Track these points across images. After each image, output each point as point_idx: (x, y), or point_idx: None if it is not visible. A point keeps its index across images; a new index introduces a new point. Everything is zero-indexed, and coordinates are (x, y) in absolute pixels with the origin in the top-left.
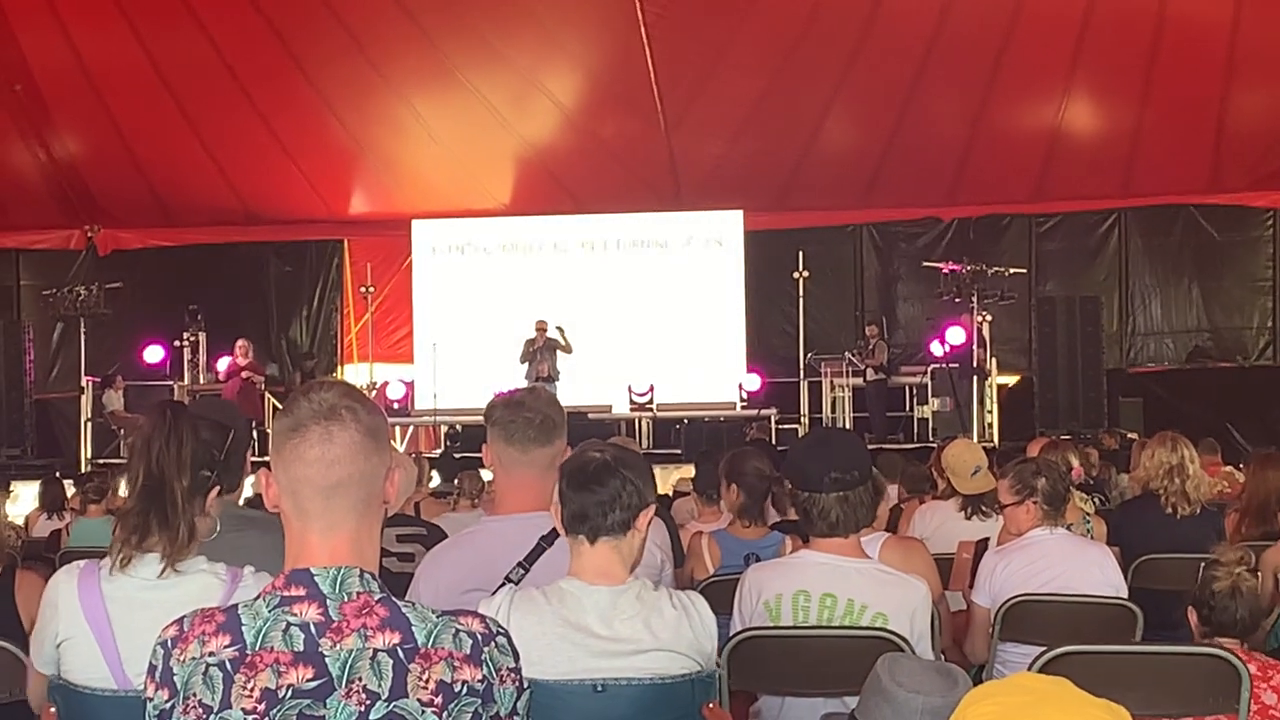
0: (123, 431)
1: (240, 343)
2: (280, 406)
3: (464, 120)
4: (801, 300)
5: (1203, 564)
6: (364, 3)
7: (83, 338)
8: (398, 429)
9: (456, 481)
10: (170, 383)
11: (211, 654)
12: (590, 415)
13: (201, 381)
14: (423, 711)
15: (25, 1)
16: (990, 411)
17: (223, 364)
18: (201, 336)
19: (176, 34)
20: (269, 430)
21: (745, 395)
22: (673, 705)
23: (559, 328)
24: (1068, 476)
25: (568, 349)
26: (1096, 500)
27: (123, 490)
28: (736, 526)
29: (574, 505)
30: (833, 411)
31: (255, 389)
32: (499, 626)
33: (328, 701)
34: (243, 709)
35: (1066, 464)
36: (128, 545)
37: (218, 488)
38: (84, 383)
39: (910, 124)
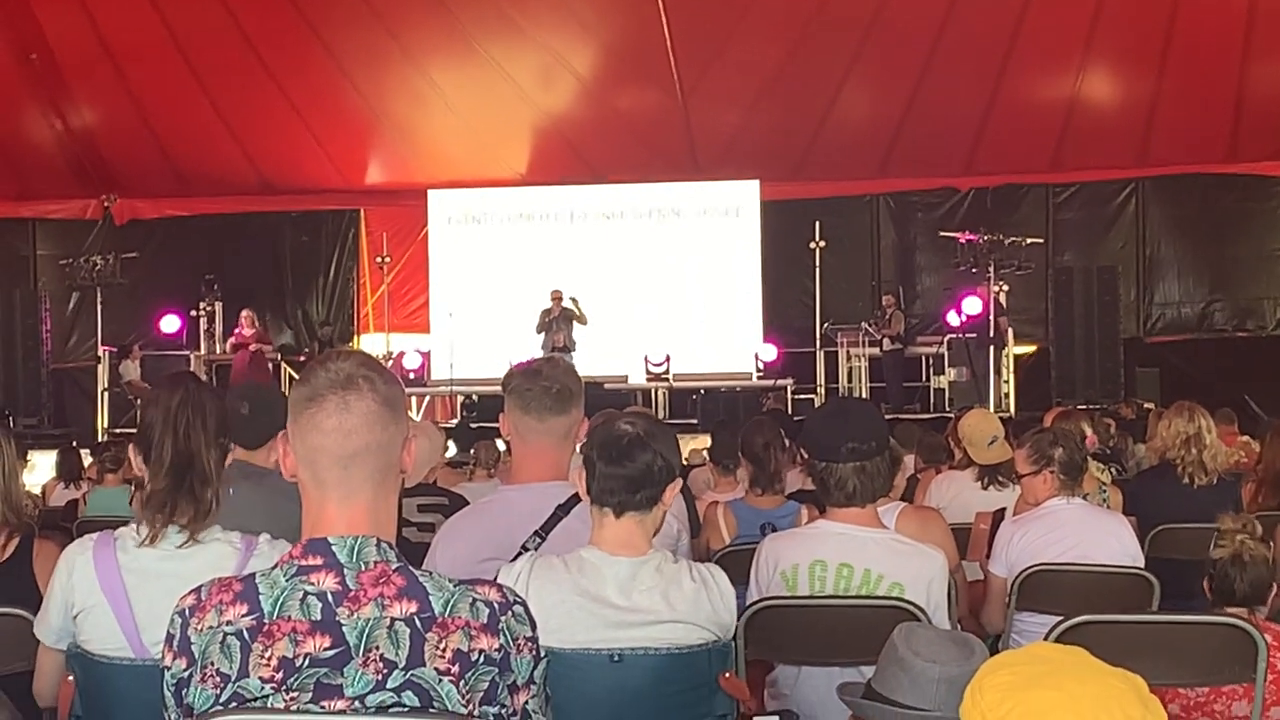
0: (139, 401)
1: (244, 313)
2: (297, 376)
3: (481, 90)
4: (818, 270)
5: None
6: None
7: (99, 307)
8: (414, 399)
9: (473, 451)
10: (186, 353)
11: (229, 623)
12: (606, 385)
13: (218, 351)
14: (440, 680)
15: None
16: (1007, 381)
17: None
18: (218, 306)
19: (193, 2)
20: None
21: (761, 365)
22: (689, 675)
23: (573, 299)
24: (1084, 446)
25: (583, 319)
26: (1113, 470)
27: (135, 462)
28: (752, 496)
29: (603, 479)
30: (849, 381)
31: (264, 358)
32: (516, 595)
33: (345, 670)
34: (260, 678)
35: (1080, 433)
36: (157, 522)
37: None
38: (100, 352)
39: (927, 94)
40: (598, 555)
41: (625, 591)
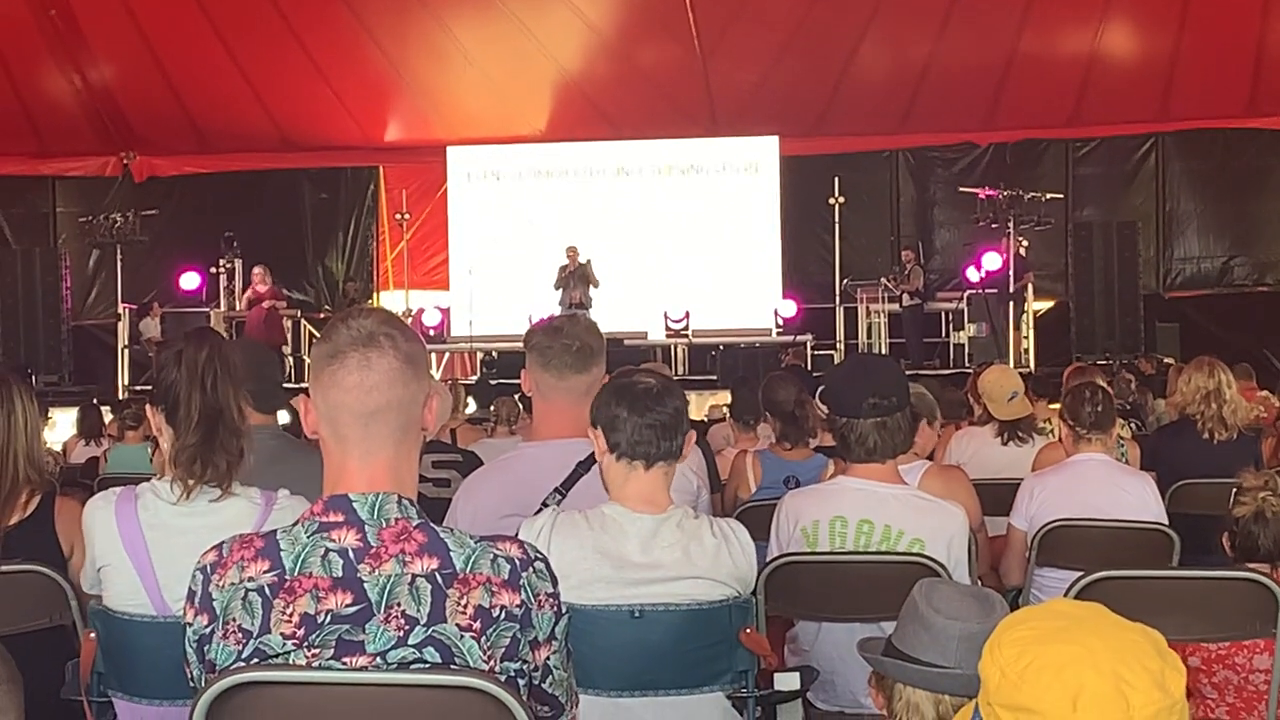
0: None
1: (256, 270)
2: (317, 333)
3: (501, 46)
4: (837, 226)
5: (1234, 490)
6: None
7: (119, 265)
8: (433, 356)
9: (493, 408)
10: (206, 309)
11: (250, 579)
12: (626, 341)
13: (238, 308)
14: (461, 636)
15: None
16: (1026, 337)
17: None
18: (237, 263)
19: None
20: (304, 357)
21: (781, 321)
22: (710, 630)
23: (587, 260)
24: (1110, 398)
25: (594, 282)
26: (1133, 425)
27: (155, 420)
28: (780, 448)
29: (637, 429)
30: (868, 337)
31: (278, 315)
32: (537, 552)
33: (366, 627)
34: (282, 634)
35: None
36: (186, 483)
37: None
38: (121, 310)
39: (947, 49)
40: (620, 511)
41: (646, 548)
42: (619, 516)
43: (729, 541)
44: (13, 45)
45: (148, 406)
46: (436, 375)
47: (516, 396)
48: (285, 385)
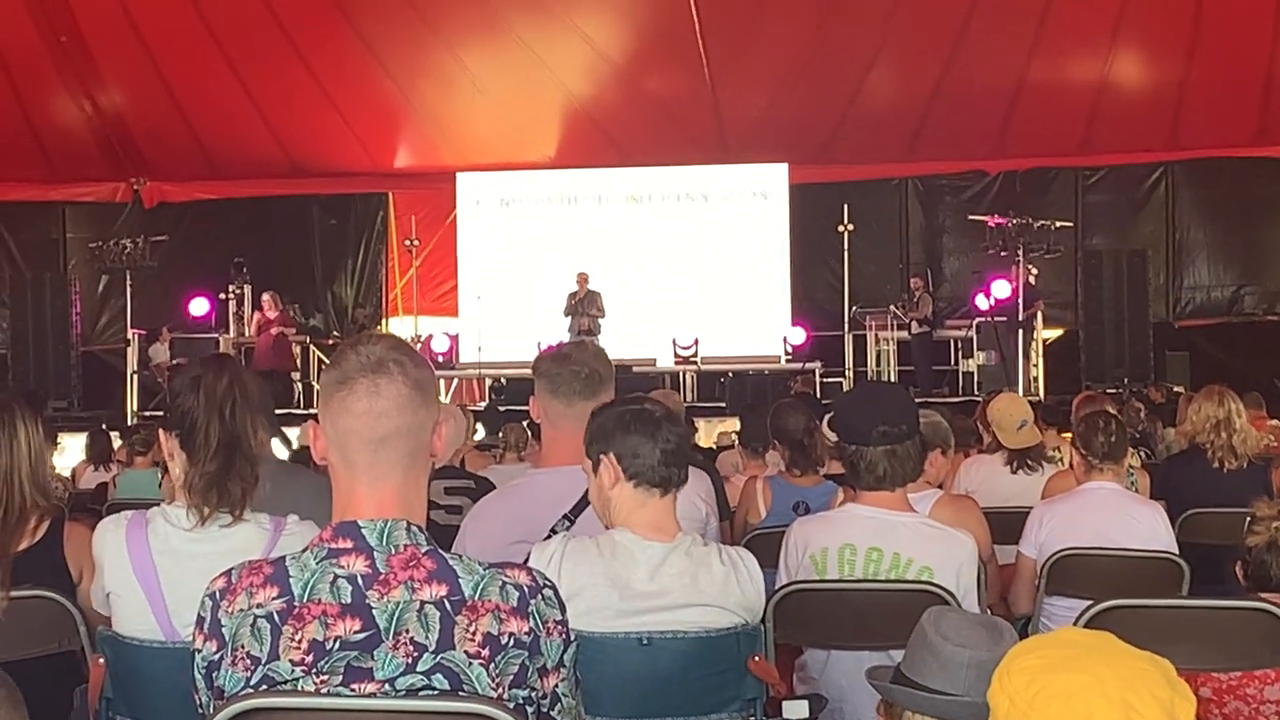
0: (168, 384)
1: (266, 296)
2: (326, 360)
3: (511, 73)
4: (846, 253)
5: (1247, 519)
6: None
7: (129, 290)
8: (442, 382)
9: (501, 434)
10: (215, 335)
11: (259, 605)
12: (634, 368)
13: (247, 334)
14: (470, 663)
15: None
16: (1036, 365)
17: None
18: (246, 289)
19: None
20: (312, 383)
21: (790, 348)
22: (718, 658)
23: (597, 291)
24: (1124, 428)
25: (601, 312)
26: (1142, 454)
27: (169, 446)
28: (790, 475)
29: (654, 455)
30: (877, 365)
31: (287, 341)
32: (546, 579)
33: (375, 653)
34: (290, 660)
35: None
36: (207, 505)
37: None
38: (130, 335)
39: (956, 76)
40: (630, 538)
41: (655, 575)
42: (629, 544)
43: (737, 569)
44: (23, 71)
45: (160, 431)
46: (445, 401)
47: (525, 423)
48: (294, 411)
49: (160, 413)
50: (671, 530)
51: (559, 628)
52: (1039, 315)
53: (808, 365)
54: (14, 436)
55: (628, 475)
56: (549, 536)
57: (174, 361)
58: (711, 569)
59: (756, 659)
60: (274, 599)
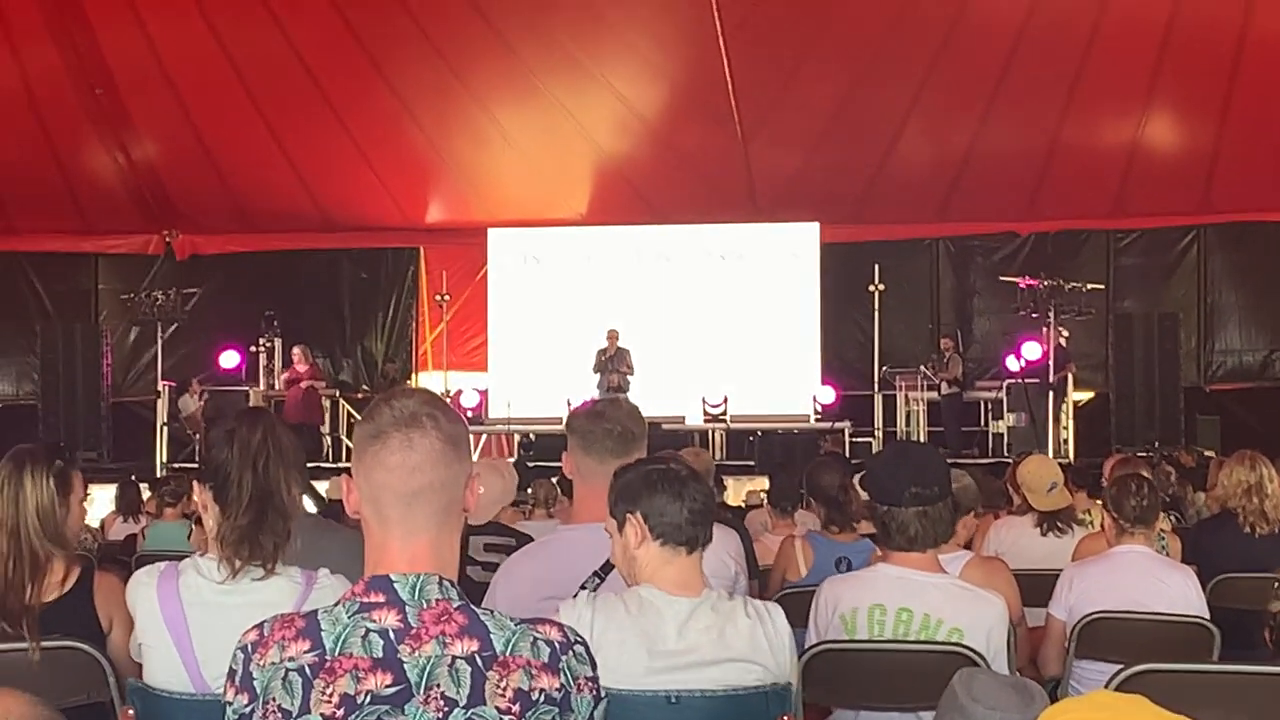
0: (198, 436)
1: (296, 350)
2: (356, 414)
3: (542, 129)
4: (877, 313)
5: (1275, 584)
6: (445, 10)
7: (160, 342)
8: (471, 437)
9: (530, 490)
10: (246, 388)
11: (291, 659)
12: (664, 426)
13: (277, 387)
14: (500, 719)
15: (108, 8)
16: (1066, 427)
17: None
18: (277, 342)
19: (257, 38)
20: (341, 436)
21: (819, 408)
22: (747, 717)
23: (626, 349)
24: (1156, 492)
25: (630, 370)
26: (1173, 518)
27: (203, 498)
28: (827, 532)
29: (681, 515)
30: (907, 425)
31: (317, 394)
32: (577, 635)
33: (406, 708)
34: (321, 714)
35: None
36: (233, 564)
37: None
38: (160, 387)
39: (988, 137)
40: (657, 594)
41: (683, 632)
42: (656, 599)
43: (764, 622)
44: (58, 123)
45: (195, 483)
46: (475, 457)
47: (554, 479)
48: (323, 465)
49: (191, 465)
50: (697, 586)
51: (590, 684)
52: (1070, 377)
53: (837, 425)
54: (20, 489)
55: (654, 534)
56: (579, 593)
57: (209, 414)
58: (738, 623)
59: (786, 719)
60: (306, 652)
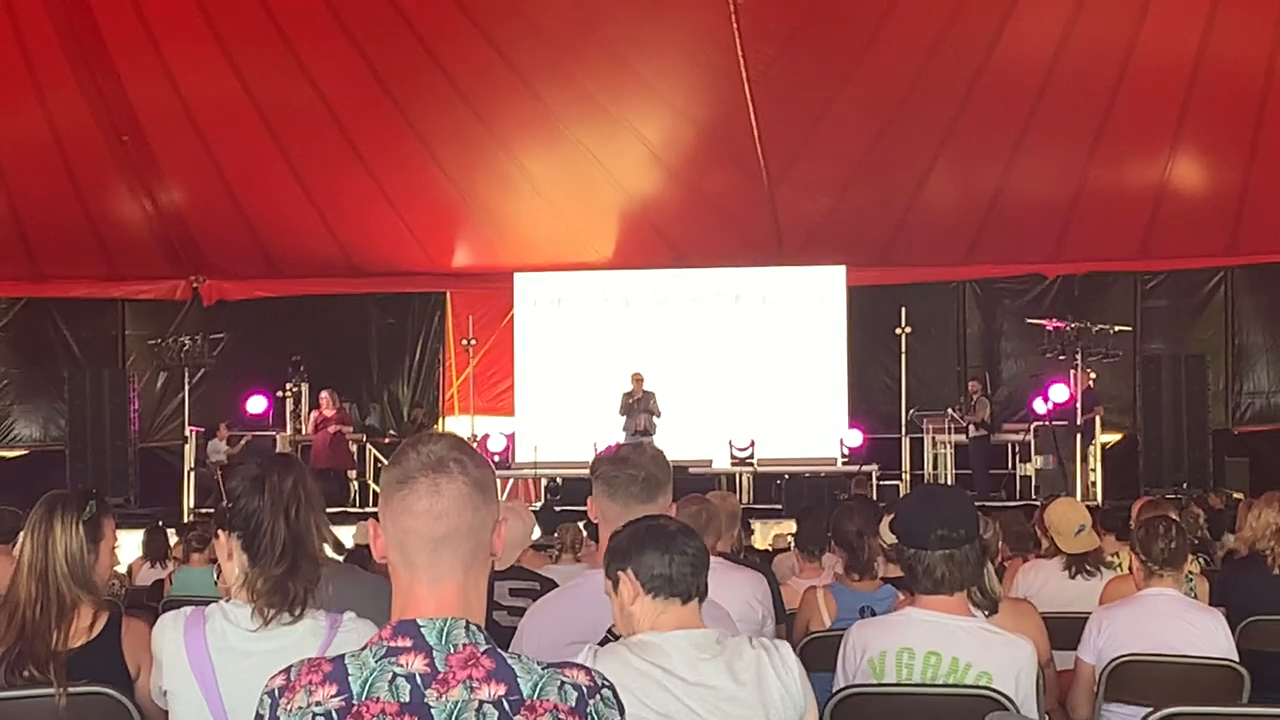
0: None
1: (323, 395)
2: (383, 458)
3: (568, 174)
4: (904, 356)
5: None
6: (471, 57)
7: (186, 387)
8: (498, 481)
9: (556, 534)
10: (273, 433)
11: (318, 704)
12: (690, 469)
13: (304, 432)
14: None
15: (135, 55)
16: (1094, 470)
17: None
18: (304, 387)
19: (283, 85)
20: (369, 481)
21: (847, 451)
22: None
23: (652, 392)
24: (1184, 534)
25: (657, 413)
26: (1202, 560)
27: (230, 546)
28: (849, 580)
29: (670, 568)
30: (934, 468)
31: (344, 439)
32: (604, 679)
33: None
34: None
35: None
36: (271, 607)
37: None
38: (188, 432)
39: (1015, 180)
40: (656, 635)
41: (691, 664)
42: (658, 640)
43: (770, 654)
44: (85, 169)
45: (219, 531)
46: (502, 500)
47: (581, 524)
48: (349, 510)
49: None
50: (699, 625)
51: None
52: (1097, 420)
53: (864, 468)
54: (50, 534)
55: (646, 589)
56: (606, 637)
57: (226, 460)
58: (743, 654)
59: None
60: (333, 697)
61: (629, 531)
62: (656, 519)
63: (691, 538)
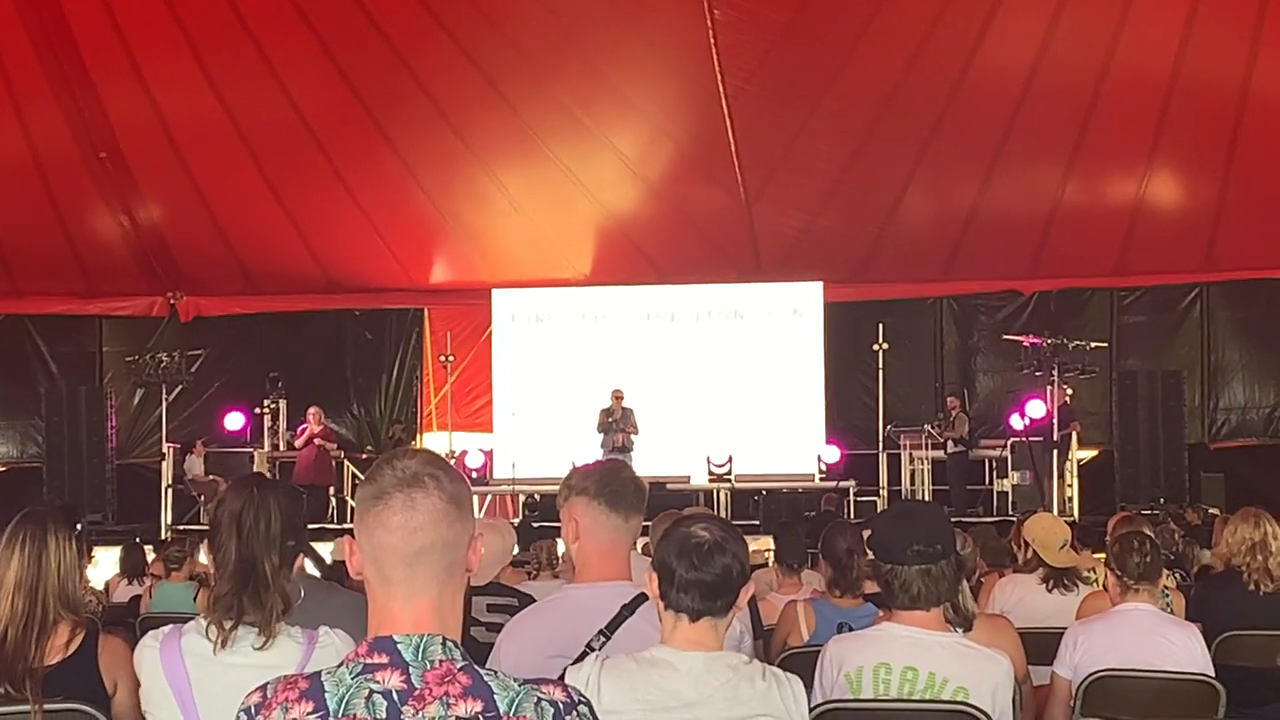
0: (203, 498)
1: (311, 410)
2: (360, 475)
3: (546, 190)
4: (881, 372)
5: None
6: (449, 73)
7: (164, 404)
8: (476, 498)
9: (532, 550)
10: (250, 449)
11: None
12: (668, 485)
13: (281, 448)
14: None
15: (112, 72)
16: (1070, 485)
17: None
18: (282, 404)
19: (261, 101)
20: (347, 498)
21: (824, 467)
22: None
23: (630, 409)
24: (1159, 550)
25: (634, 430)
26: (1178, 576)
27: (203, 559)
28: (831, 596)
29: (683, 584)
30: (912, 484)
31: (328, 456)
32: (581, 695)
33: None
34: None
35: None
36: (222, 627)
37: (301, 555)
38: (165, 449)
39: (991, 197)
40: (669, 652)
41: (699, 686)
42: (669, 658)
43: (781, 684)
44: (63, 186)
45: (203, 545)
46: (480, 516)
47: (558, 539)
48: (327, 526)
49: (196, 526)
50: (713, 646)
51: None
52: (1074, 435)
53: (841, 484)
54: (44, 550)
55: (660, 595)
56: (585, 653)
57: (210, 477)
58: (754, 683)
59: None
60: (309, 714)
61: (668, 531)
62: (697, 523)
63: (710, 558)
